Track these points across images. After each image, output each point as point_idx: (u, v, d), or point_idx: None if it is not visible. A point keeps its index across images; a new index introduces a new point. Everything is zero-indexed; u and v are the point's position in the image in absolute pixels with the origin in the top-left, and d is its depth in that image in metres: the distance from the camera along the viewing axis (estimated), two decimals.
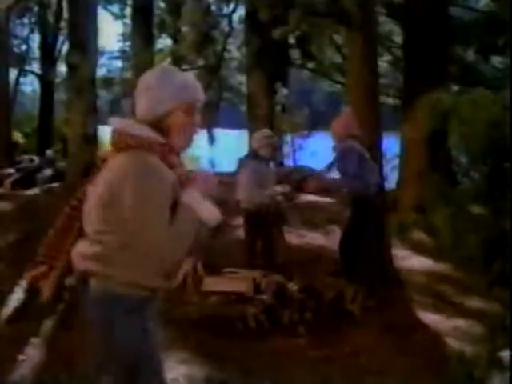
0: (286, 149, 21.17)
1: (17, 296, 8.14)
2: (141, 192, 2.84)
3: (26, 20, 32.22)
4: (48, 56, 29.84)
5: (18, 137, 28.16)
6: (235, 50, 30.22)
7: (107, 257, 3.00)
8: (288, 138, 21.35)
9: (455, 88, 16.71)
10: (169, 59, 28.35)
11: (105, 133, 25.94)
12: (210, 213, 2.95)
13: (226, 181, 9.03)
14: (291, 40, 22.92)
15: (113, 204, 2.91)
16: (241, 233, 9.51)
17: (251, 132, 15.28)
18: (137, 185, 2.85)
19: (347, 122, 8.18)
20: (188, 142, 3.20)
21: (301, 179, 13.38)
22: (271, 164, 8.87)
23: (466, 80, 18.49)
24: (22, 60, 31.82)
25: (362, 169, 7.95)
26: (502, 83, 16.16)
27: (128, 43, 29.45)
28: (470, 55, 20.19)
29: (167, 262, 2.91)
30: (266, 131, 8.83)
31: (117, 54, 33.43)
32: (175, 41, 27.25)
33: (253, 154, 8.57)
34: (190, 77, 3.22)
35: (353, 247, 8.15)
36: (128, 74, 26.05)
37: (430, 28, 13.35)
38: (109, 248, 3.00)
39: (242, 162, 8.77)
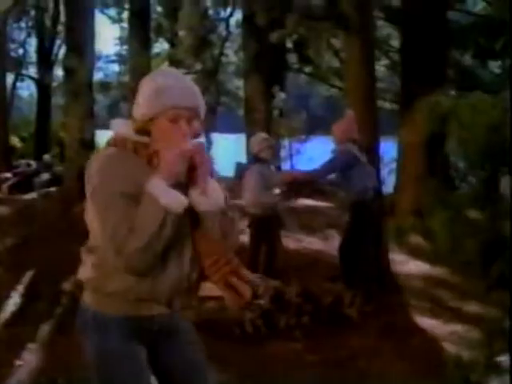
0: (284, 153, 21.16)
1: (14, 301, 8.14)
2: (95, 187, 2.74)
3: (23, 24, 32.27)
4: (45, 60, 29.85)
5: (15, 141, 28.17)
6: (232, 55, 30.26)
7: (83, 263, 2.96)
8: (285, 142, 21.34)
9: (453, 92, 16.73)
10: (166, 63, 28.40)
11: (102, 137, 25.96)
12: (174, 199, 2.69)
13: (225, 186, 9.02)
14: (289, 44, 22.96)
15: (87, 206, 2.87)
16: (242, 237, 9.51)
17: (249, 136, 15.28)
18: (92, 181, 2.75)
19: (348, 126, 8.27)
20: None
21: None
22: (272, 166, 8.90)
23: (463, 84, 18.52)
24: (18, 64, 31.83)
25: (354, 171, 8.06)
26: (499, 88, 16.17)
27: (125, 47, 29.50)
28: (468, 59, 20.21)
29: (127, 256, 2.66)
30: (264, 134, 8.86)
31: (114, 58, 33.50)
32: (172, 45, 27.29)
33: (254, 158, 8.57)
34: (180, 82, 2.89)
35: (352, 252, 8.19)
36: (125, 78, 26.08)
37: (427, 32, 13.37)
38: (83, 253, 2.96)
39: (243, 167, 8.79)
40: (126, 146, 2.85)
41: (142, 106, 2.87)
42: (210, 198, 2.85)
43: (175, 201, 2.70)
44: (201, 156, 2.79)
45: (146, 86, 2.89)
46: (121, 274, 2.77)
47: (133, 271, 2.74)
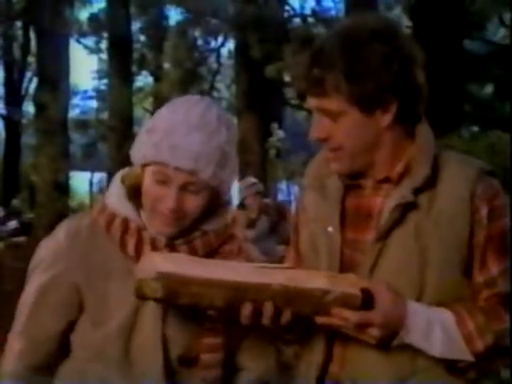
0: (281, 198, 21.20)
1: None
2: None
3: None
4: (13, 94, 29.94)
5: None
6: (224, 89, 30.43)
7: None
8: (283, 185, 21.37)
9: (472, 129, 16.81)
10: (150, 99, 28.54)
11: (77, 180, 25.96)
12: None
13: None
14: (286, 77, 23.10)
15: None
16: None
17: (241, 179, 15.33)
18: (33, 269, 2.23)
19: None
20: (160, 223, 2.12)
21: None
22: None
23: (482, 120, 18.53)
24: None
25: None
26: None
27: (104, 81, 29.64)
28: (487, 93, 20.29)
29: None
30: (253, 179, 8.92)
31: (91, 94, 33.64)
32: (157, 78, 27.41)
33: (241, 205, 8.59)
34: (185, 124, 2.06)
35: None
36: (104, 115, 26.17)
37: (441, 64, 13.41)
38: None
39: None
40: (99, 217, 2.20)
41: (134, 146, 2.17)
42: None
43: None
44: None
45: (152, 118, 2.20)
46: None
47: None
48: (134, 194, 2.16)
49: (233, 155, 2.17)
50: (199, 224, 2.17)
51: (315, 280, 1.86)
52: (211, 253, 2.18)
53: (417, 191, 2.00)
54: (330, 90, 1.97)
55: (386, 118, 2.01)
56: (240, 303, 1.87)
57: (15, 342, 2.17)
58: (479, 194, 2.00)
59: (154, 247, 2.10)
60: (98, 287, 2.10)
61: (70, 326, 2.14)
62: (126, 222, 2.12)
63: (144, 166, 2.11)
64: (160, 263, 1.84)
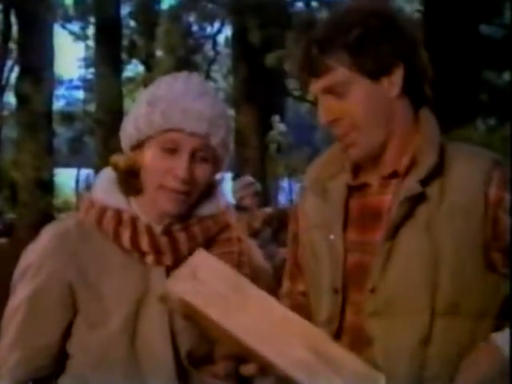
0: (283, 196, 21.19)
1: None
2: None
3: None
4: None
5: None
6: (221, 79, 30.41)
7: None
8: (285, 183, 21.36)
9: (488, 120, 16.78)
10: (140, 90, 28.46)
11: (63, 178, 25.91)
12: None
13: None
14: (287, 66, 23.09)
15: None
16: None
17: (237, 177, 15.33)
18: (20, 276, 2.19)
19: None
20: (167, 200, 2.09)
21: None
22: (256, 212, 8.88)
23: (500, 110, 18.49)
24: None
25: None
26: None
27: (91, 70, 29.62)
28: (505, 81, 20.26)
29: None
30: (250, 178, 8.89)
31: (77, 83, 33.62)
32: (148, 67, 27.40)
33: (236, 206, 8.55)
34: (191, 92, 2.10)
35: None
36: (91, 107, 26.14)
37: (456, 50, 13.38)
38: None
39: None
40: (90, 212, 2.18)
41: (128, 124, 2.16)
42: None
43: None
44: None
45: (142, 94, 2.22)
46: None
47: None
48: (127, 180, 2.16)
49: (230, 132, 2.24)
50: (194, 209, 2.17)
51: (335, 376, 1.77)
52: (210, 240, 2.19)
53: (424, 182, 1.97)
54: (333, 63, 2.00)
55: (394, 89, 2.03)
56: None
57: (9, 355, 2.12)
58: (497, 184, 1.97)
59: (151, 236, 2.10)
60: (91, 285, 2.09)
61: (69, 331, 2.12)
62: (118, 214, 2.13)
63: (137, 146, 2.13)
64: (188, 286, 1.81)
